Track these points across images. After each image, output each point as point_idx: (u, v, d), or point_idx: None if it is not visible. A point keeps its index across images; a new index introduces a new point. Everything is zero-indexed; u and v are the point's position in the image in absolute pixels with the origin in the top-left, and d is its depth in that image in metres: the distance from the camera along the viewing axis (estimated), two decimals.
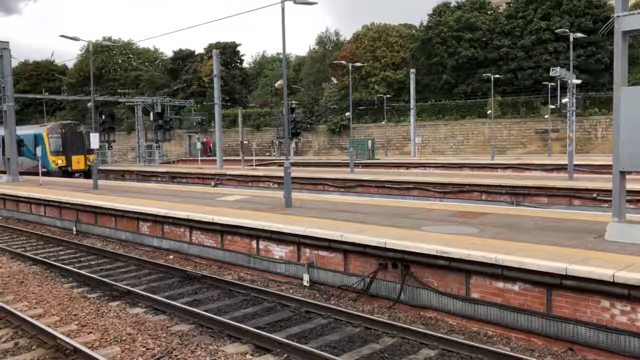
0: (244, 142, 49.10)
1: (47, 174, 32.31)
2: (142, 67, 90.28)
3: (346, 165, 37.87)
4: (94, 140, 22.99)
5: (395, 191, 25.16)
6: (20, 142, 33.52)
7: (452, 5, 62.21)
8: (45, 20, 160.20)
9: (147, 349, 7.75)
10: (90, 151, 31.29)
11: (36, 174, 29.69)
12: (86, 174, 34.82)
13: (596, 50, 52.31)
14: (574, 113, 30.50)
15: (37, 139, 35.50)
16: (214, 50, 48.46)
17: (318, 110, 68.99)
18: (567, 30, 29.27)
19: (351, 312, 9.08)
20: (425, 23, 63.42)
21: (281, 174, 19.94)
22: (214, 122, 40.17)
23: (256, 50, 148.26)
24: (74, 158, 35.82)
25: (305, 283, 11.09)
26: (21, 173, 31.88)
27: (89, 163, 34.38)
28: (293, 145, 60.26)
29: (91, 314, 9.41)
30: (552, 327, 7.84)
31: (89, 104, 42.03)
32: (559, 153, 48.05)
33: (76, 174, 34.91)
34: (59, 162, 35.19)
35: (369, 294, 10.06)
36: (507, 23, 57.35)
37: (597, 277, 7.35)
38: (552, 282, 7.81)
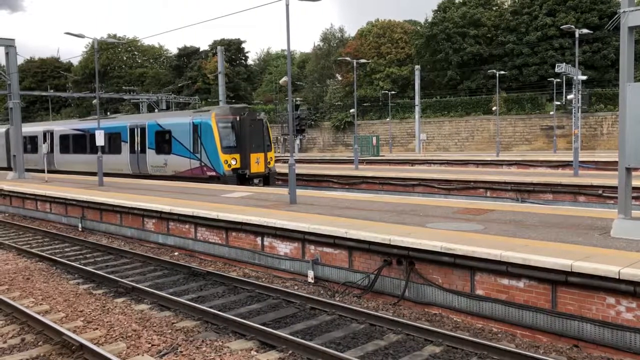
0: None
1: (212, 179, 23.42)
2: (147, 64, 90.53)
3: (351, 162, 37.89)
4: (99, 138, 23.01)
5: (400, 188, 25.15)
6: (163, 134, 25.92)
7: (457, 2, 62.03)
8: (50, 17, 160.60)
9: (152, 345, 7.78)
10: (269, 147, 24.84)
11: (195, 179, 23.44)
12: (266, 179, 24.55)
13: (602, 46, 52.07)
14: (580, 109, 30.40)
15: (199, 130, 24.23)
16: (218, 47, 48.52)
17: (322, 107, 68.99)
18: (573, 26, 29.12)
19: (356, 308, 9.08)
20: (430, 19, 63.25)
21: (286, 170, 20.01)
22: None
23: (261, 47, 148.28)
24: (253, 157, 23.88)
25: (309, 279, 11.10)
26: (170, 178, 24.90)
27: (269, 164, 24.78)
28: (297, 142, 60.29)
29: (97, 310, 9.45)
30: (558, 324, 7.83)
31: (94, 101, 42.19)
32: (564, 149, 47.92)
33: (255, 180, 23.94)
34: (232, 162, 23.67)
35: (373, 290, 10.06)
36: (513, 19, 57.15)
37: (603, 273, 7.33)
38: (557, 279, 7.79)
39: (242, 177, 23.74)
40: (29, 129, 36.24)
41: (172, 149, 25.42)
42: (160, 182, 24.20)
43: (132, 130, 27.81)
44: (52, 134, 34.38)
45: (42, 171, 29.90)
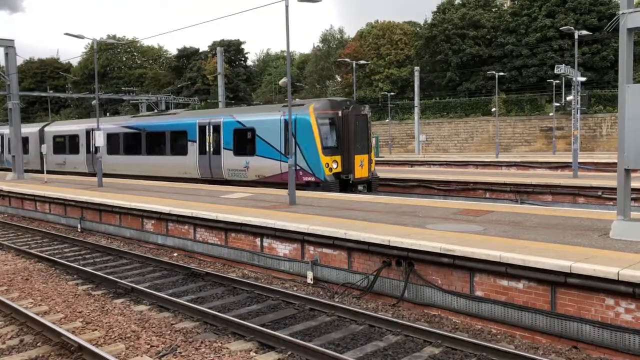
0: None
1: (309, 186, 19.90)
2: (147, 65, 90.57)
3: None
4: (99, 139, 23.02)
5: (399, 189, 25.16)
6: (244, 133, 22.34)
7: (456, 3, 62.14)
8: (50, 18, 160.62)
9: (151, 346, 7.78)
10: (371, 148, 21.49)
11: (280, 184, 19.89)
12: (370, 185, 21.06)
13: (601, 48, 52.14)
14: (579, 111, 30.43)
15: (294, 127, 19.85)
16: (218, 48, 48.55)
17: None
18: (572, 28, 29.17)
19: (355, 309, 9.08)
20: (429, 20, 63.36)
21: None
22: None
23: (260, 48, 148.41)
24: (357, 159, 20.43)
25: (309, 281, 11.10)
26: (253, 184, 21.58)
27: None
28: None
29: (96, 311, 9.44)
30: (557, 325, 7.83)
31: (94, 102, 41.99)
32: (563, 151, 47.96)
33: (359, 187, 20.57)
34: (334, 165, 20.07)
35: (372, 291, 10.06)
36: (512, 20, 57.21)
37: (602, 275, 7.33)
38: (556, 280, 7.79)
39: (345, 183, 20.18)
40: (69, 127, 34.07)
41: (256, 150, 21.72)
42: (160, 182, 24.19)
43: (202, 128, 23.85)
44: (92, 133, 30.90)
45: (87, 175, 29.23)
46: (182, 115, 26.54)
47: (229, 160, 22.67)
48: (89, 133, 30.88)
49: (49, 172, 32.29)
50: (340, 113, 20.41)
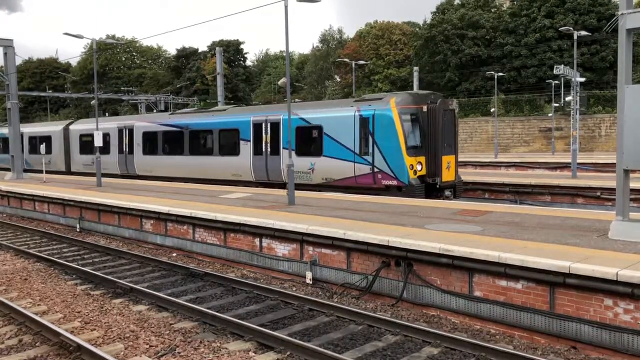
0: None
1: (389, 190, 17.96)
2: (146, 65, 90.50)
3: None
4: (98, 139, 22.99)
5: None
6: (309, 131, 20.28)
7: (455, 3, 62.17)
8: (49, 18, 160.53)
9: (150, 346, 7.77)
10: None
11: (362, 189, 18.25)
12: (455, 190, 18.95)
13: (600, 48, 52.19)
14: (578, 111, 30.42)
15: (372, 123, 18.34)
16: (217, 48, 48.55)
17: None
18: (571, 28, 29.19)
19: (354, 310, 9.08)
20: (428, 21, 63.37)
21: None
22: None
23: (259, 48, 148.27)
24: (444, 160, 18.25)
25: (308, 281, 11.10)
26: (317, 187, 19.54)
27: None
28: None
29: (95, 311, 9.43)
30: (555, 326, 7.84)
31: (93, 102, 41.82)
32: (562, 151, 47.97)
33: (446, 192, 18.47)
34: (418, 167, 17.91)
35: (371, 292, 10.06)
36: (511, 21, 57.24)
37: (601, 275, 7.33)
38: (555, 281, 7.80)
39: (431, 188, 17.95)
40: (101, 125, 29.90)
41: (323, 150, 19.61)
42: (158, 183, 24.18)
43: (257, 126, 21.78)
44: (130, 130, 28.15)
45: (119, 176, 27.48)
46: (233, 112, 24.45)
47: (289, 161, 18.61)
48: (121, 131, 28.60)
49: (75, 173, 31.46)
50: (425, 108, 18.23)
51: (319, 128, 19.95)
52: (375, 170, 18.07)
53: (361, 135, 18.60)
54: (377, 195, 17.23)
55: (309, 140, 20.32)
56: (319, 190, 19.01)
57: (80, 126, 32.68)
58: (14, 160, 29.08)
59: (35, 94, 63.17)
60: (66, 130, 33.30)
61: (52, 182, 25.84)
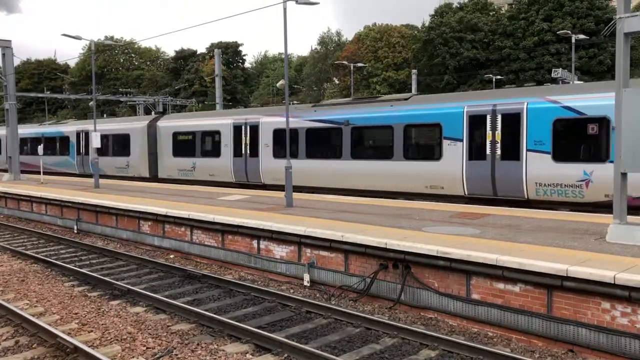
0: None
1: None
2: (144, 67, 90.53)
3: None
4: (96, 140, 22.96)
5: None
6: (578, 125, 14.60)
7: (454, 6, 62.25)
8: (47, 19, 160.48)
9: (147, 348, 7.76)
10: None
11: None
12: None
13: (598, 52, 52.30)
14: None
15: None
16: (215, 50, 48.56)
17: None
18: (569, 32, 29.32)
19: (351, 312, 9.07)
20: (427, 24, 63.46)
21: None
22: None
23: (258, 50, 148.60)
24: None
25: (305, 283, 11.09)
26: (590, 206, 14.32)
27: None
28: None
29: (92, 313, 9.41)
30: (553, 329, 7.84)
31: (91, 103, 41.55)
32: None
33: None
34: None
35: (369, 294, 10.06)
36: (509, 24, 57.34)
37: (598, 278, 7.34)
38: (552, 284, 7.81)
39: None
40: (203, 120, 25.29)
41: (609, 153, 13.69)
42: (156, 184, 24.15)
43: (477, 119, 16.20)
44: (254, 127, 22.35)
45: (232, 185, 22.64)
46: (425, 101, 18.60)
47: (539, 169, 14.95)
48: (239, 129, 22.83)
49: (165, 180, 25.67)
50: None
51: (602, 121, 14.02)
52: None
53: None
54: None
55: (580, 139, 14.71)
56: (590, 211, 14.06)
57: (175, 122, 26.75)
58: (12, 161, 29.04)
59: (33, 95, 63.15)
60: (151, 127, 27.25)
61: (49, 183, 25.79)
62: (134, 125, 28.36)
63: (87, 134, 29.93)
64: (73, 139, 31.79)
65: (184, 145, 25.18)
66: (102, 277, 11.55)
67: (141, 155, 27.32)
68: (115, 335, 8.26)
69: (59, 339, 7.73)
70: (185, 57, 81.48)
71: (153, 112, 48.82)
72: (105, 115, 61.98)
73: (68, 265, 12.80)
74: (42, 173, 27.96)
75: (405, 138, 17.92)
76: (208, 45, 79.68)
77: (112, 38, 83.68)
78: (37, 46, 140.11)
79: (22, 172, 29.85)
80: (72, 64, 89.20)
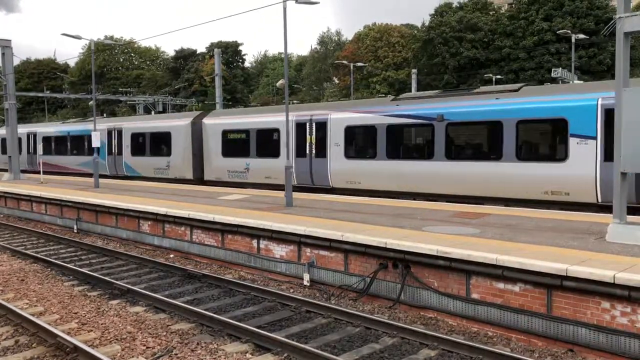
0: None
1: None
2: (144, 66, 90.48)
3: None
4: (95, 139, 22.96)
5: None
6: None
7: (454, 6, 62.25)
8: (47, 19, 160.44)
9: (147, 348, 7.76)
10: None
11: None
12: None
13: (598, 52, 52.31)
14: None
15: None
16: (215, 50, 48.53)
17: None
18: (569, 32, 29.31)
19: (351, 311, 9.08)
20: (427, 23, 63.46)
21: None
22: None
23: (258, 50, 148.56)
24: None
25: (305, 282, 11.09)
26: None
27: None
28: None
29: (91, 312, 9.41)
30: (553, 328, 7.84)
31: (91, 103, 41.41)
32: None
33: None
34: None
35: (369, 293, 10.06)
36: (509, 24, 57.36)
37: (598, 278, 7.34)
38: (552, 283, 7.81)
39: None
40: (257, 117, 22.60)
41: None
42: (156, 184, 24.13)
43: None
44: (322, 125, 20.01)
45: (296, 189, 18.17)
46: (537, 93, 16.12)
47: None
48: (302, 126, 20.53)
49: (212, 183, 23.66)
50: None
51: None
52: None
53: None
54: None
55: None
56: None
57: (225, 119, 24.04)
58: (12, 160, 29.04)
59: (33, 94, 63.10)
60: (195, 124, 24.99)
61: (49, 183, 25.78)
62: (175, 123, 26.01)
63: (120, 132, 28.34)
64: (104, 138, 29.07)
65: (236, 144, 22.93)
66: (102, 277, 11.55)
67: (184, 156, 25.12)
68: (115, 335, 8.26)
69: (58, 339, 7.73)
70: (185, 56, 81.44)
71: (153, 112, 48.56)
72: (105, 115, 61.99)
73: (68, 265, 12.80)
74: (42, 173, 27.95)
75: (517, 136, 15.58)
76: (208, 44, 79.82)
77: (111, 37, 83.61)
78: (37, 46, 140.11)
79: (46, 173, 28.59)
80: (71, 63, 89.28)
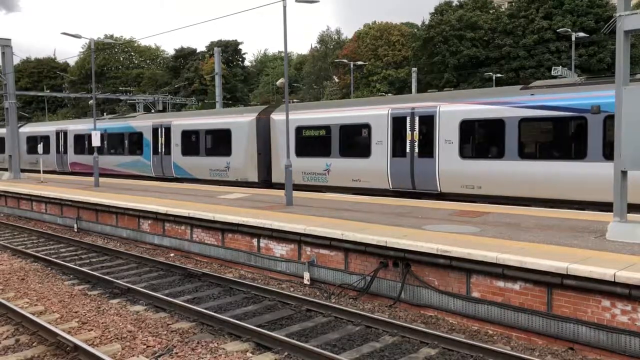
0: None
1: None
2: (144, 65, 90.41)
3: None
4: (95, 139, 22.94)
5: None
6: None
7: (454, 4, 62.18)
8: (47, 18, 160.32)
9: (147, 347, 7.76)
10: None
11: None
12: None
13: (598, 50, 52.25)
14: None
15: None
16: (215, 49, 48.47)
17: None
18: (569, 30, 29.29)
19: (352, 310, 9.08)
20: (427, 22, 63.40)
21: None
22: None
23: (258, 49, 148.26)
24: None
25: (305, 281, 11.09)
26: None
27: None
28: None
29: (92, 311, 9.42)
30: (553, 327, 7.84)
31: (91, 102, 41.39)
32: None
33: None
34: None
35: (369, 292, 10.06)
36: (509, 22, 57.29)
37: (598, 276, 7.34)
38: (552, 282, 7.81)
39: None
40: (344, 112, 19.68)
41: None
42: (156, 182, 24.12)
43: None
44: (428, 119, 17.32)
45: (381, 193, 17.83)
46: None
47: None
48: (399, 121, 17.88)
49: (281, 186, 17.97)
50: None
51: None
52: None
53: None
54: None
55: None
56: None
57: (298, 114, 20.41)
58: (12, 160, 29.03)
59: (32, 93, 63.09)
60: (261, 120, 22.18)
61: (49, 182, 25.78)
62: (237, 119, 23.02)
63: (168, 129, 25.54)
64: (148, 136, 26.61)
65: (313, 142, 20.17)
66: (102, 276, 11.55)
67: (247, 156, 22.25)
68: (115, 334, 8.26)
69: (59, 338, 7.73)
70: (185, 55, 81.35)
71: (152, 111, 48.39)
72: (105, 114, 61.97)
73: (68, 264, 12.81)
74: (42, 172, 27.95)
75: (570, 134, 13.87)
76: (208, 43, 79.57)
77: (111, 36, 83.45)
78: (37, 45, 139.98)
79: (75, 173, 27.29)
80: (71, 62, 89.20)
